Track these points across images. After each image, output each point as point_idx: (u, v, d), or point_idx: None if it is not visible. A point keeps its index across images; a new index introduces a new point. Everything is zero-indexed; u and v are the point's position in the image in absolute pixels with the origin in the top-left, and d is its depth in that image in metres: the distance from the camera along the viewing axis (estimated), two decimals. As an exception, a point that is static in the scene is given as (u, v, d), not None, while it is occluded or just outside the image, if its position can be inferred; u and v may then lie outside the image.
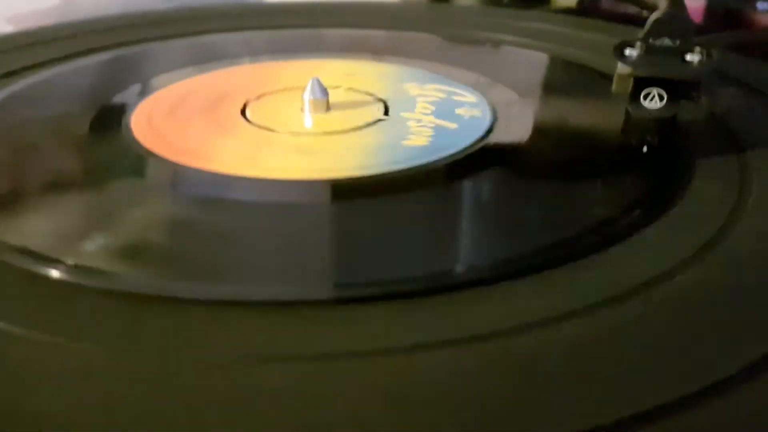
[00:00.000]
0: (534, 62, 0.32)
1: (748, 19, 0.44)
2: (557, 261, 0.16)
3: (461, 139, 0.22)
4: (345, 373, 0.13)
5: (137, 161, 0.21)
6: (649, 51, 0.22)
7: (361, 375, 0.13)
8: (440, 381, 0.13)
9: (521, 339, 0.14)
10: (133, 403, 0.12)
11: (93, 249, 0.16)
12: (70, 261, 0.16)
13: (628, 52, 0.23)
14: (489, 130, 0.23)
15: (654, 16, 0.28)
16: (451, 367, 0.13)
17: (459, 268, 0.16)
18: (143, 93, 0.26)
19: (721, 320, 0.14)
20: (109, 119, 0.23)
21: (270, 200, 0.19)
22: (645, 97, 0.22)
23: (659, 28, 0.25)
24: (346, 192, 0.19)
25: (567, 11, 0.47)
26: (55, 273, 0.15)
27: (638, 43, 0.23)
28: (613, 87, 0.23)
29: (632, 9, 0.51)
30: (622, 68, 0.22)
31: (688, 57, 0.22)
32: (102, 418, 0.12)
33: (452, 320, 0.14)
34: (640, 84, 0.22)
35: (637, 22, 0.47)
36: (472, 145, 0.22)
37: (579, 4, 0.47)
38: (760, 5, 0.43)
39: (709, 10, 0.45)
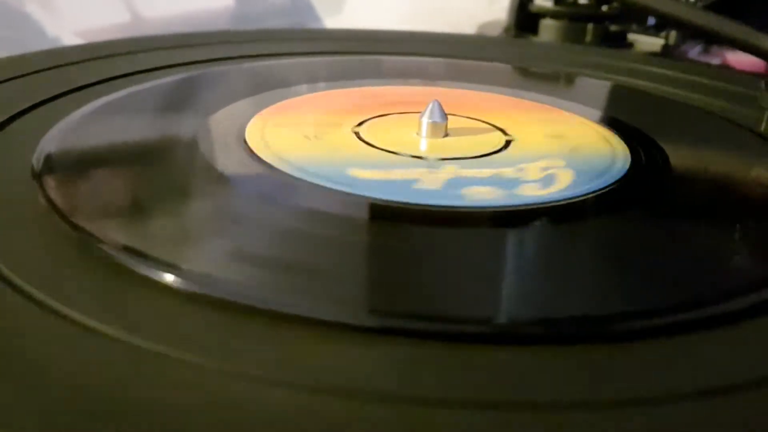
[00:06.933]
0: (634, 99, 0.30)
1: None
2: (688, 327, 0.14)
3: (601, 174, 0.20)
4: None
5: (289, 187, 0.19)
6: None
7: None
8: None
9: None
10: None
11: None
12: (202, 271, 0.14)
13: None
14: (627, 169, 0.21)
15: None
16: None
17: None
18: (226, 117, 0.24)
19: None
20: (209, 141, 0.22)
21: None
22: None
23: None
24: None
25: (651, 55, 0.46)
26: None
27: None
28: (763, 126, 0.21)
29: (716, 59, 0.49)
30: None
31: None
32: None
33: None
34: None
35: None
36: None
37: (664, 48, 0.46)
38: None
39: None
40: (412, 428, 0.11)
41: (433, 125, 0.22)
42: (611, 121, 0.25)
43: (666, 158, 0.22)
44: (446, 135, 0.22)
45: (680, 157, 0.22)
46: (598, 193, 0.19)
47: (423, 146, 0.22)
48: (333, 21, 0.61)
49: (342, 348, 0.12)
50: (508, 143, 0.22)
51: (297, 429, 0.10)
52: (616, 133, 0.24)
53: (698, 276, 0.16)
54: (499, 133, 0.23)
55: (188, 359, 0.12)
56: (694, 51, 0.51)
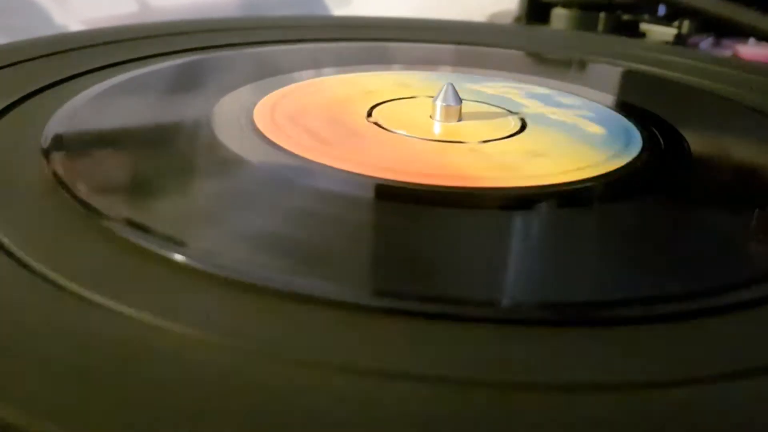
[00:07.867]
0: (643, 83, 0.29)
1: None
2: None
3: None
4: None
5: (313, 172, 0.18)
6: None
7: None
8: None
9: None
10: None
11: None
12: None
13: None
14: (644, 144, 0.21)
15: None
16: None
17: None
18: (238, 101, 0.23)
19: None
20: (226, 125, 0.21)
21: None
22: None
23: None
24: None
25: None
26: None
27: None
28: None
29: (727, 51, 0.49)
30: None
31: None
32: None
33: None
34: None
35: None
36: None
37: (677, 37, 0.45)
38: None
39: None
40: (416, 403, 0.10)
41: (447, 108, 0.22)
42: (625, 106, 0.25)
43: (685, 142, 0.21)
44: (460, 119, 0.22)
45: (699, 142, 0.21)
46: (618, 174, 0.19)
47: (437, 129, 0.22)
48: (341, 11, 0.61)
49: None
50: (523, 127, 0.22)
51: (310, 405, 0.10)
52: (630, 119, 0.23)
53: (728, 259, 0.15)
54: (514, 116, 0.23)
55: (193, 335, 0.11)
56: (706, 43, 0.51)
